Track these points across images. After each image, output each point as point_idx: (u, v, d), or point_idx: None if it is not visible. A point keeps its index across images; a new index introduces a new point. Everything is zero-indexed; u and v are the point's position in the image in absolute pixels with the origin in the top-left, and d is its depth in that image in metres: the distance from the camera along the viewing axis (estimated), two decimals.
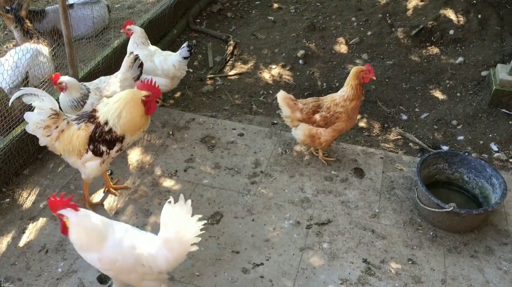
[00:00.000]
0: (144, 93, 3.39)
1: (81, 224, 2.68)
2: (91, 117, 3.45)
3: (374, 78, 3.92)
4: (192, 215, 2.71)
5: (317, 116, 4.04)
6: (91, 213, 2.77)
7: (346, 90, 3.99)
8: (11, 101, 3.61)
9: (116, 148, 3.47)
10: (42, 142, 3.47)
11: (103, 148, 3.43)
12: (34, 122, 3.38)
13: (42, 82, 4.76)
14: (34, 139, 4.07)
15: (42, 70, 4.86)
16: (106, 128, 3.39)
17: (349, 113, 4.01)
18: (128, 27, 4.66)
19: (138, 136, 3.59)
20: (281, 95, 4.08)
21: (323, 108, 4.05)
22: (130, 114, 3.38)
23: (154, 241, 2.77)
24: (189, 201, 2.70)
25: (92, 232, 2.70)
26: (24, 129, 3.95)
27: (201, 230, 2.74)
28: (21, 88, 3.70)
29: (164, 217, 2.73)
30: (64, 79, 3.90)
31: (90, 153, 3.44)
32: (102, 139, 3.41)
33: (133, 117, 3.39)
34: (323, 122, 4.04)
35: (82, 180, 3.72)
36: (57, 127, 3.42)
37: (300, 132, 4.13)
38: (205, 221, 2.76)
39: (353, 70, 3.97)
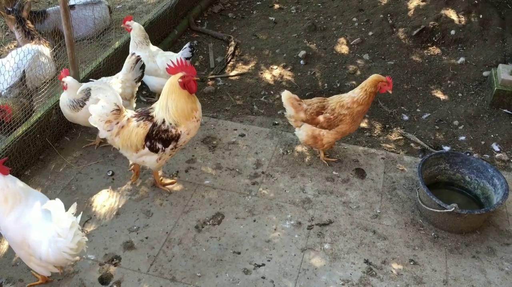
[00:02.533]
0: (179, 75, 3.45)
1: (3, 185, 2.84)
2: (148, 115, 3.57)
3: (390, 92, 3.93)
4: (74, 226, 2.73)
5: (321, 118, 4.03)
6: (16, 180, 2.91)
7: (358, 93, 3.95)
8: (79, 90, 3.68)
9: (171, 146, 3.58)
10: (102, 134, 3.59)
11: (159, 145, 3.57)
12: (97, 115, 3.49)
13: (44, 83, 4.77)
14: (36, 140, 4.10)
15: (43, 71, 4.87)
16: (163, 127, 3.52)
17: (354, 116, 3.99)
18: (127, 22, 4.68)
19: (194, 132, 3.65)
20: (285, 95, 4.07)
21: (327, 110, 4.04)
22: (174, 101, 3.49)
23: (45, 229, 2.82)
24: (78, 217, 2.78)
25: (7, 195, 2.84)
26: (26, 130, 3.98)
27: (80, 241, 2.78)
28: (90, 80, 3.74)
29: (53, 214, 2.74)
30: (66, 79, 3.94)
31: (146, 149, 3.56)
32: (159, 137, 3.53)
33: (177, 103, 3.49)
34: (326, 124, 4.03)
35: (83, 181, 3.73)
36: (117, 123, 3.53)
37: (303, 132, 4.13)
38: (85, 238, 2.83)
39: (373, 77, 3.93)
